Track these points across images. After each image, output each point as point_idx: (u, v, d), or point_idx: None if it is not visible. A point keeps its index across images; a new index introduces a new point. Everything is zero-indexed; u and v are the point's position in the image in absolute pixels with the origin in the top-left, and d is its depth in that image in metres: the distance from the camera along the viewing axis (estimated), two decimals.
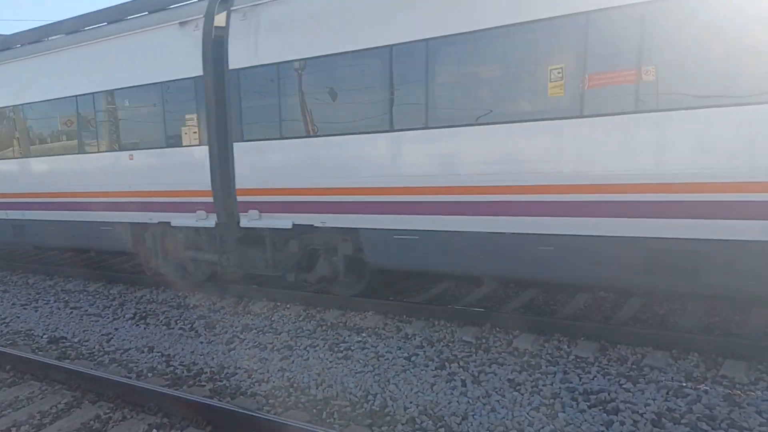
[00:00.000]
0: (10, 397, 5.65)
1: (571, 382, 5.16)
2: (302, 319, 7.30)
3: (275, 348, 6.41)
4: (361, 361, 5.84)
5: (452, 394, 5.04)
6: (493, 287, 7.91)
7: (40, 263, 11.71)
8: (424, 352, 5.98)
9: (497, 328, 6.48)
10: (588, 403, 4.76)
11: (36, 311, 8.63)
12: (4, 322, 8.21)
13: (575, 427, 4.43)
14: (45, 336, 7.49)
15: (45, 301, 9.12)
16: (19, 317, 8.38)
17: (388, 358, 5.86)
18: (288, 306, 7.78)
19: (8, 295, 9.72)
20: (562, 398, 4.87)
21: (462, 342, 6.22)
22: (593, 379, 5.21)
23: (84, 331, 7.55)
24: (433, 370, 5.52)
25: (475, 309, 7.01)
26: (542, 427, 4.44)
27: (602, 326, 6.12)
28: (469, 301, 7.52)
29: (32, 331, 7.72)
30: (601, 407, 4.69)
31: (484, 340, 6.23)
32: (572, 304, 7.11)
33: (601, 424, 4.43)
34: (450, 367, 5.56)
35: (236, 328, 7.18)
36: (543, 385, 5.12)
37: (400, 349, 6.08)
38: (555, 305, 7.19)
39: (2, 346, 6.94)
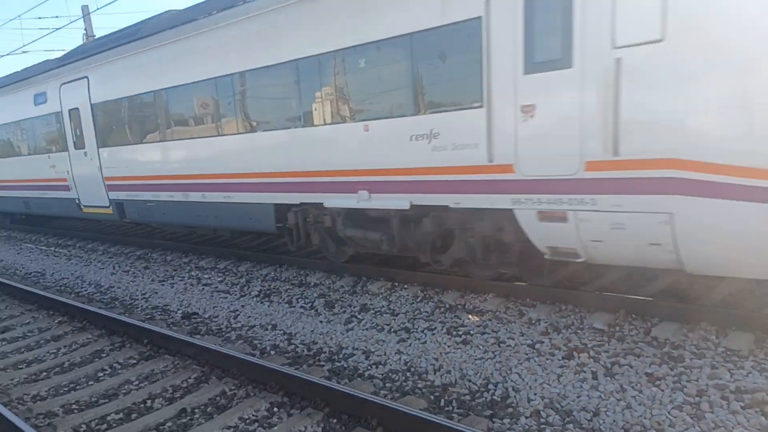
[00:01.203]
0: (146, 370, 5.99)
1: (721, 379, 4.57)
2: (420, 300, 7.13)
3: (392, 330, 6.30)
4: (481, 346, 5.56)
5: (582, 387, 4.65)
6: (627, 270, 7.29)
7: (177, 241, 12.46)
8: (550, 339, 5.59)
9: (633, 315, 5.93)
10: (741, 404, 4.18)
11: (172, 287, 9.17)
12: (145, 297, 8.79)
13: (726, 430, 3.90)
14: (179, 311, 7.92)
15: (180, 278, 9.67)
16: (157, 293, 8.94)
17: (510, 345, 5.53)
18: (406, 286, 7.65)
19: (149, 271, 10.43)
20: (709, 396, 4.32)
21: (592, 329, 5.74)
22: (747, 375, 4.59)
23: (214, 308, 7.89)
24: (560, 360, 5.13)
25: (607, 293, 6.48)
26: (686, 429, 3.96)
27: (757, 314, 5.38)
28: (600, 284, 6.97)
29: (168, 307, 8.19)
30: (757, 409, 4.10)
31: (617, 328, 5.72)
32: (721, 289, 6.36)
33: (759, 429, 3.87)
34: (579, 357, 5.14)
35: (354, 307, 7.17)
36: (687, 381, 4.58)
37: (523, 335, 5.72)
38: (701, 290, 6.47)
39: (141, 320, 7.41)
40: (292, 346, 6.26)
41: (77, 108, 11.92)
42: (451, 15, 6.16)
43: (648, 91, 4.92)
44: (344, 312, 7.07)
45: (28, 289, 9.40)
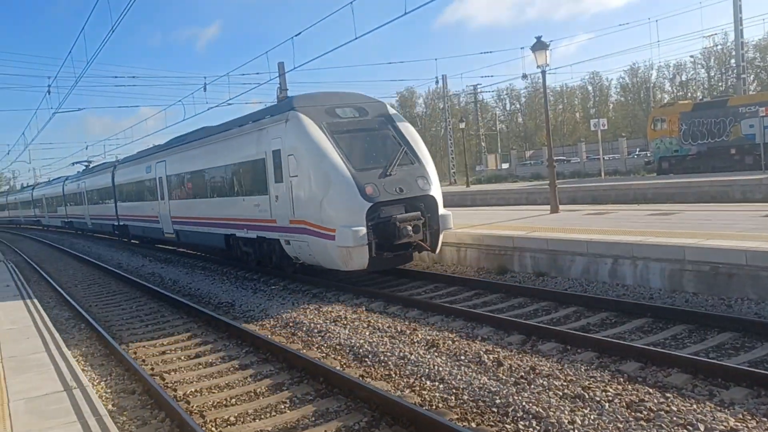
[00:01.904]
0: (322, 408, 6.34)
1: None
2: (594, 368, 6.79)
3: (565, 396, 6.06)
4: (665, 427, 5.15)
5: None
6: None
7: (348, 282, 13.11)
8: (747, 427, 5.03)
9: None
10: None
11: (345, 328, 9.62)
12: (321, 335, 9.33)
13: None
14: (351, 353, 8.30)
15: (352, 319, 10.13)
16: (331, 332, 9.45)
17: (699, 429, 5.07)
18: (579, 350, 7.34)
19: (323, 310, 11.06)
20: None
21: None
22: None
23: (383, 352, 8.14)
24: None
25: None
26: None
27: None
28: None
29: (341, 346, 8.62)
30: None
31: None
32: None
33: None
34: None
35: (524, 368, 7.00)
36: None
37: (714, 419, 5.21)
38: None
39: (318, 359, 7.87)
40: (460, 401, 6.27)
41: (161, 176, 21.01)
42: (258, 155, 13.93)
43: (298, 193, 12.38)
44: (513, 371, 6.94)
45: (221, 318, 10.44)
